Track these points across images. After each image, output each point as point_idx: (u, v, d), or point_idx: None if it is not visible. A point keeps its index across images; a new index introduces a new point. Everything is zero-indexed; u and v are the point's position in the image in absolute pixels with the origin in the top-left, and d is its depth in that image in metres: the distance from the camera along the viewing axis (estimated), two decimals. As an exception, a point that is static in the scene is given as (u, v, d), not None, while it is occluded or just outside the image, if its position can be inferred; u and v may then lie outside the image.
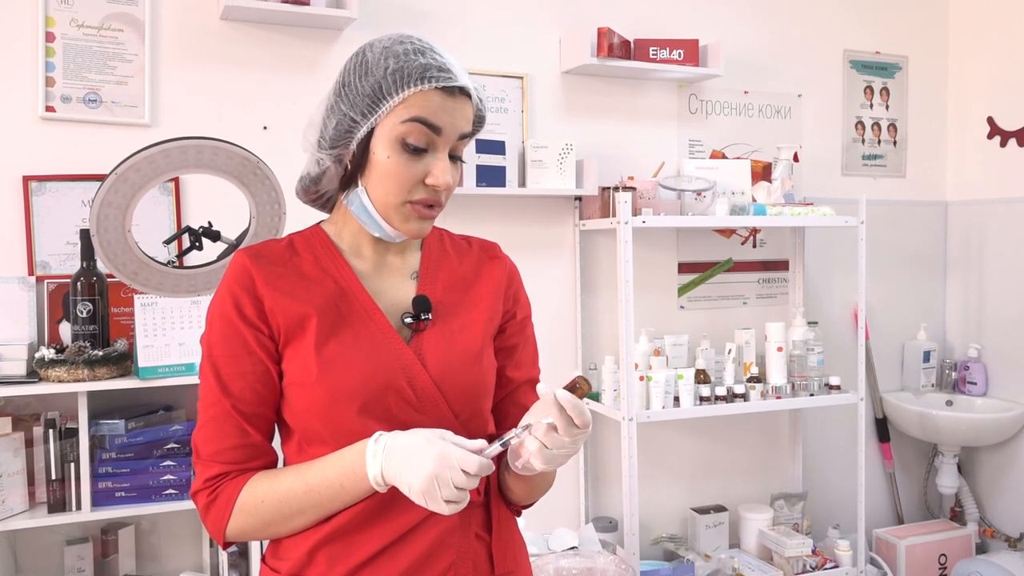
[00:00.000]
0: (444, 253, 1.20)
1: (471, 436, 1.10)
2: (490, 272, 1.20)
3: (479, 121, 1.11)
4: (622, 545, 2.60)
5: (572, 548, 2.40)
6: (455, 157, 1.08)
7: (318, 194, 1.16)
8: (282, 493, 1.03)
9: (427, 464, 0.93)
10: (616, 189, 2.57)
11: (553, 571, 1.80)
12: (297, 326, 1.05)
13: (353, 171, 1.07)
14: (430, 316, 1.11)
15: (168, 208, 2.29)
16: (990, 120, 3.25)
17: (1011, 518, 3.19)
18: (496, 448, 0.98)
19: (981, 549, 3.22)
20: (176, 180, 2.30)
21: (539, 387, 0.98)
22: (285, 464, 1.12)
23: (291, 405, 1.07)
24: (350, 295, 1.09)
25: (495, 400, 1.18)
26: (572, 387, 0.97)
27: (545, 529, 2.58)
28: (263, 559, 1.13)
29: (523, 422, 1.00)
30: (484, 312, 1.16)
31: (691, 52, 2.74)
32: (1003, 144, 3.20)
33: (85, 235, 2.04)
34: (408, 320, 1.10)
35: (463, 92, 1.05)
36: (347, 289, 1.09)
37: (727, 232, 3.03)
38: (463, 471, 0.93)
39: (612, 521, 2.73)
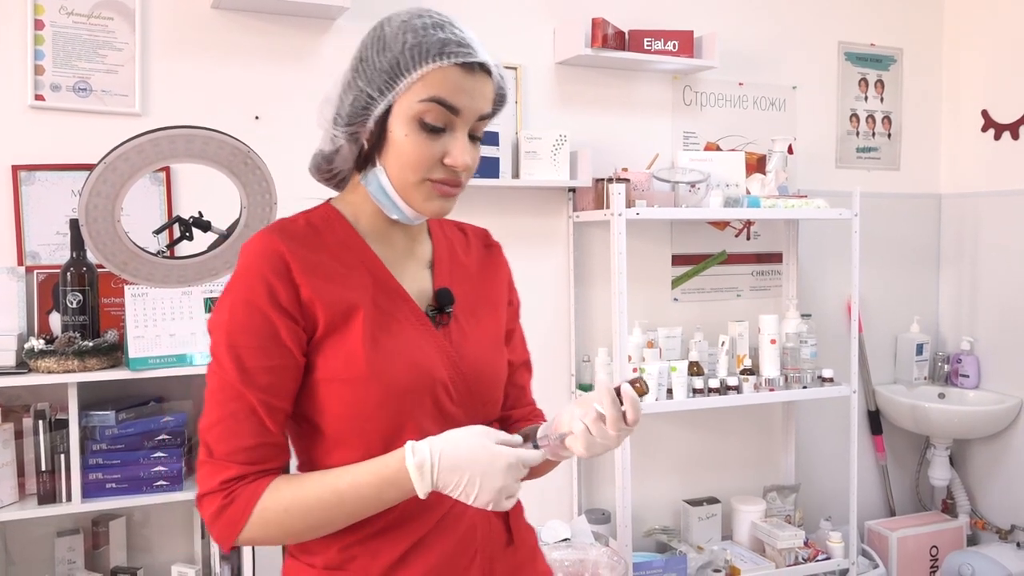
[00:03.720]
0: (450, 242, 1.19)
1: (483, 423, 1.08)
2: (495, 263, 1.21)
3: (500, 100, 1.07)
4: (615, 537, 2.60)
5: (565, 540, 2.40)
6: (475, 137, 1.04)
7: (331, 172, 1.11)
8: (311, 503, 0.96)
9: (497, 478, 0.93)
10: (610, 181, 2.56)
11: (545, 563, 1.80)
12: (341, 318, 1.00)
13: (370, 150, 1.03)
14: (451, 309, 1.10)
15: (159, 198, 2.28)
16: (984, 113, 3.24)
17: (1002, 510, 3.20)
18: (537, 454, 0.98)
19: (972, 541, 3.24)
20: (167, 170, 2.28)
21: (598, 377, 1.00)
22: (300, 464, 1.09)
23: (325, 403, 1.00)
24: (384, 284, 1.05)
25: None
26: (632, 383, 0.98)
27: (538, 521, 2.58)
28: (289, 553, 1.09)
29: (558, 422, 1.01)
30: (500, 304, 1.18)
31: (686, 43, 2.73)
32: (997, 137, 3.20)
33: (74, 225, 2.02)
34: (431, 312, 1.09)
35: (483, 69, 1.01)
36: (380, 278, 1.05)
37: (721, 224, 3.02)
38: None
39: (605, 513, 2.73)
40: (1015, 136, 3.13)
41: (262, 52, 2.39)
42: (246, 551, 2.11)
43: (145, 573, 2.24)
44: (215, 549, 2.17)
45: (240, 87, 2.37)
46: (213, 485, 0.97)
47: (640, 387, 0.99)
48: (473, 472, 0.93)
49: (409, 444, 0.95)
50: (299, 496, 0.97)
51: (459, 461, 0.93)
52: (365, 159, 1.05)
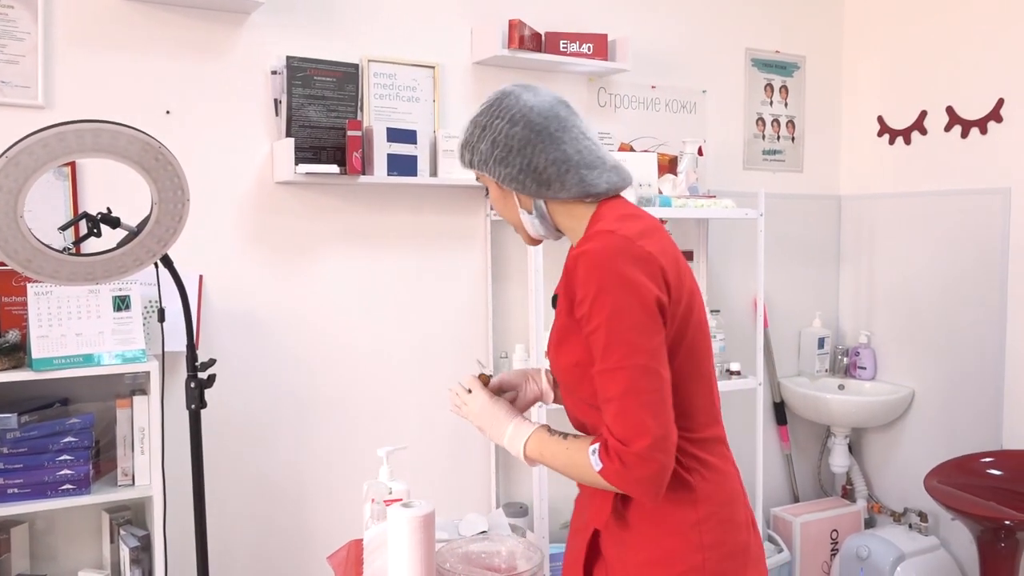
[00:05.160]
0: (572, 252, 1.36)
1: (580, 413, 1.35)
2: (567, 271, 1.31)
3: (471, 158, 1.36)
4: (532, 529, 2.65)
5: (482, 532, 2.43)
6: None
7: None
8: None
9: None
10: (527, 180, 2.60)
11: (462, 555, 1.83)
12: None
13: None
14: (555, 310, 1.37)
15: (64, 193, 2.21)
16: (880, 119, 3.43)
17: (896, 494, 3.39)
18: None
19: (869, 524, 3.42)
20: (73, 164, 2.21)
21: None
22: None
23: None
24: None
25: None
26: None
27: (456, 514, 2.61)
28: None
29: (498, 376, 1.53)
30: (563, 308, 1.31)
31: (600, 46, 2.79)
32: (891, 142, 3.39)
33: (-27, 221, 1.94)
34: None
35: None
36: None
37: (635, 223, 3.10)
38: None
39: (523, 506, 2.78)
40: (907, 141, 3.32)
41: (174, 45, 2.34)
42: (157, 553, 2.07)
43: (50, 580, 2.18)
44: (124, 553, 2.12)
45: (151, 81, 2.32)
46: None
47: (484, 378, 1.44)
48: None
49: None
50: None
51: None
52: None
